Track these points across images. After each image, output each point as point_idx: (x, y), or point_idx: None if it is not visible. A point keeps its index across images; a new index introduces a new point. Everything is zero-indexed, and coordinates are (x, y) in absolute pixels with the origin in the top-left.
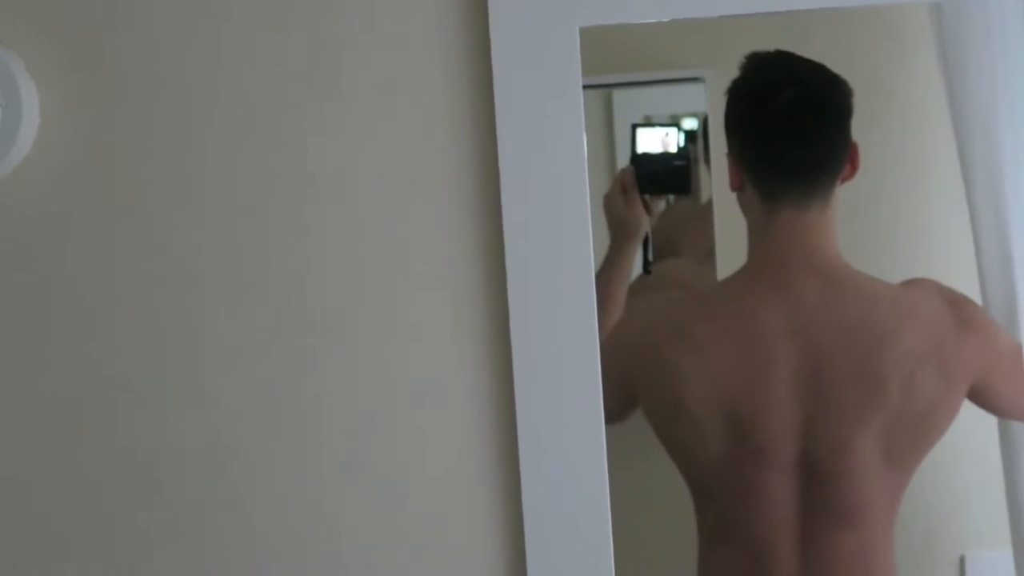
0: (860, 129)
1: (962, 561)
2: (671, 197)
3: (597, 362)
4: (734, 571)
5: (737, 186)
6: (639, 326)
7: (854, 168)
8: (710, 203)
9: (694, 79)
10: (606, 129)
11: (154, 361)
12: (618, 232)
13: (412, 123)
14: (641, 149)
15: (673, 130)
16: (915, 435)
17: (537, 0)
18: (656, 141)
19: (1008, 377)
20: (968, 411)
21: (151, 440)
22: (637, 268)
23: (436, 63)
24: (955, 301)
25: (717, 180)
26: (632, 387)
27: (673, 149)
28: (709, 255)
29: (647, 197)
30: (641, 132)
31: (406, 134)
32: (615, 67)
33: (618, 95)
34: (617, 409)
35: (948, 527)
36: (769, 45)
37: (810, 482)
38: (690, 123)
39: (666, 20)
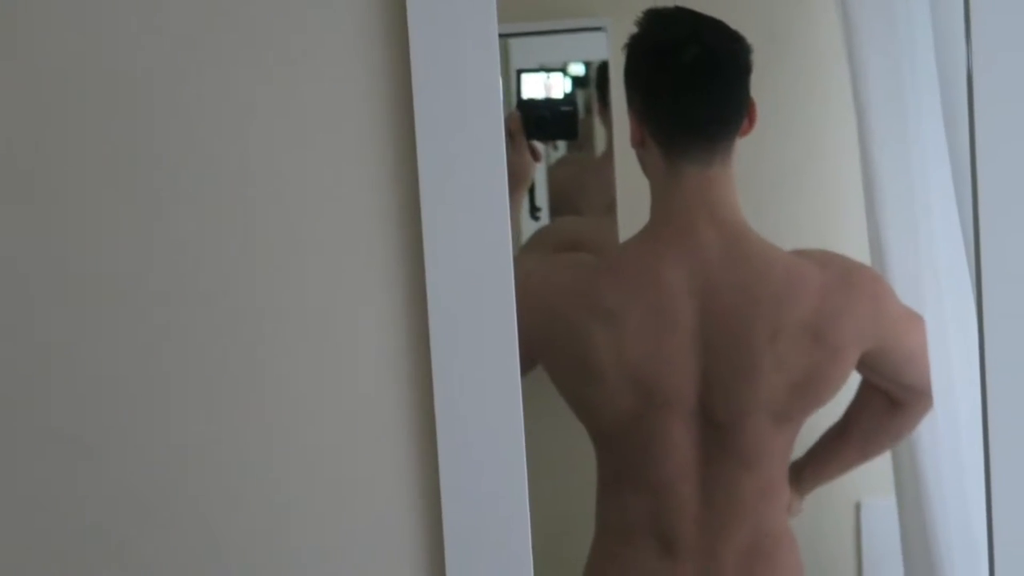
0: (758, 81)
1: (857, 507)
2: (560, 144)
3: (513, 310)
4: (637, 514)
5: (638, 141)
6: (544, 289)
7: (751, 123)
8: (608, 158)
9: (595, 28)
10: (502, 78)
11: (81, 343)
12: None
13: (325, 71)
14: (526, 94)
15: (557, 75)
16: (797, 397)
17: None
18: (541, 86)
19: (898, 347)
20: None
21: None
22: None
23: (350, 11)
24: (850, 271)
25: (619, 133)
26: (536, 347)
27: (558, 95)
28: (609, 210)
29: (534, 143)
30: (526, 77)
31: (319, 83)
32: (514, 16)
33: (515, 44)
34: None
35: (845, 476)
36: None
37: (709, 429)
38: (577, 68)
39: None
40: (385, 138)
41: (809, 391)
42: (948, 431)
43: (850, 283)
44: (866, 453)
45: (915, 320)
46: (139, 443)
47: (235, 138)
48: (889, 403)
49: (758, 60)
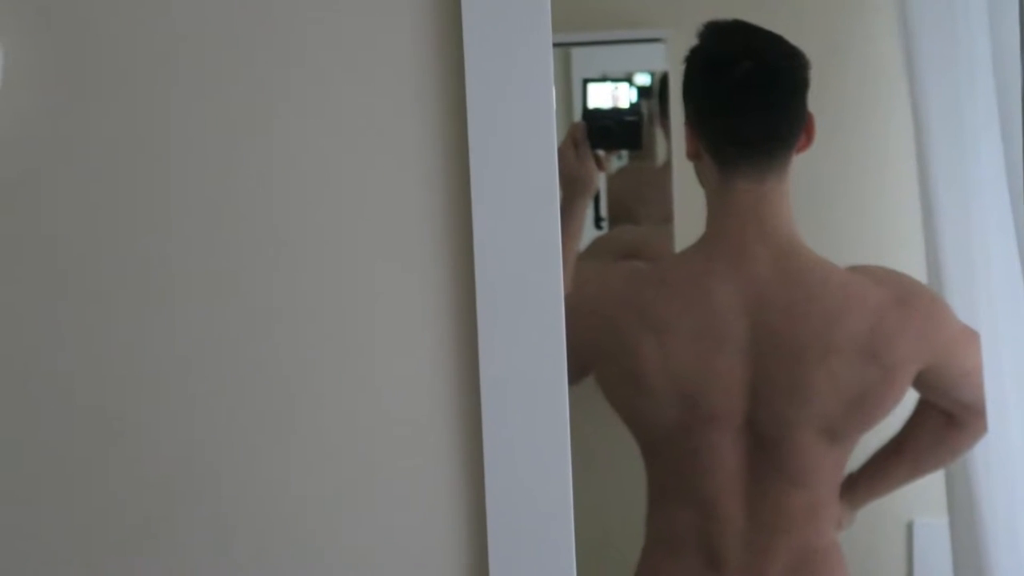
0: (817, 98)
1: (910, 526)
2: (623, 153)
3: (562, 319)
4: (683, 527)
5: (693, 154)
6: (598, 298)
7: (809, 139)
8: (667, 168)
9: (654, 39)
10: (564, 87)
11: (119, 327)
12: (569, 187)
13: (378, 76)
14: (592, 104)
15: (624, 85)
16: (850, 416)
17: None
18: (607, 96)
19: (954, 365)
20: None
21: (111, 410)
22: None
23: (404, 16)
24: (908, 291)
25: (677, 145)
26: (587, 357)
27: (624, 104)
28: (666, 220)
29: (599, 152)
30: (592, 87)
31: (372, 88)
32: (575, 26)
33: (577, 53)
34: (570, 375)
35: (897, 494)
36: (732, 9)
37: (757, 446)
38: (643, 79)
39: None
40: (437, 145)
41: (862, 409)
42: (1001, 451)
43: (906, 302)
44: (920, 470)
45: (972, 338)
46: (169, 454)
47: (283, 138)
48: (945, 421)
49: (818, 76)
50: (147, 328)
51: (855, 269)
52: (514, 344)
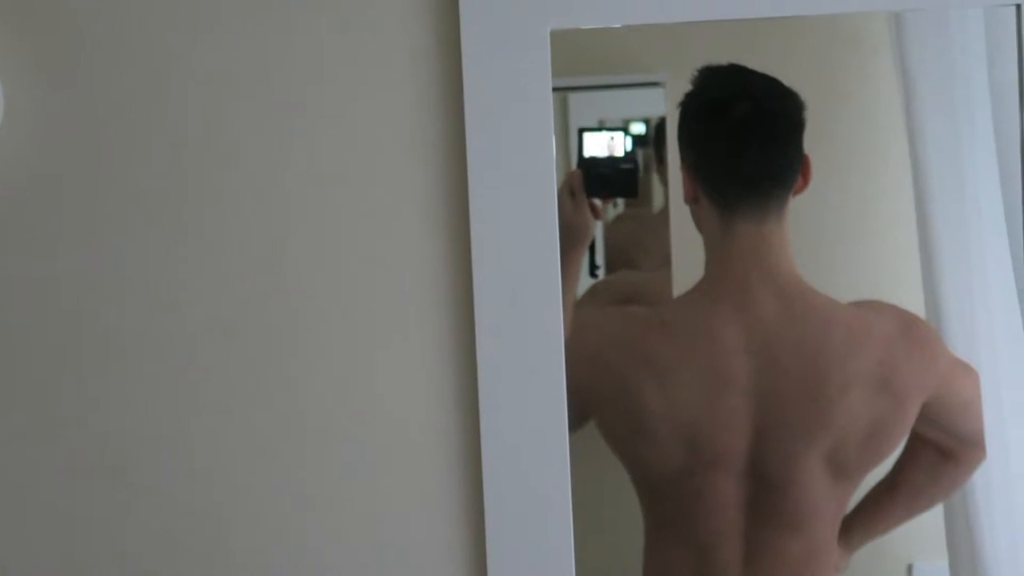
0: (815, 140)
1: (909, 570)
2: (619, 201)
3: (562, 364)
4: (680, 571)
5: (691, 198)
6: (597, 343)
7: (806, 181)
8: (664, 213)
9: (652, 84)
10: (561, 133)
11: (127, 339)
12: (566, 235)
13: (381, 121)
14: (588, 153)
15: (619, 134)
16: (863, 452)
17: (508, 2)
18: (602, 145)
19: (954, 396)
20: None
21: (119, 429)
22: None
23: (406, 62)
24: (907, 322)
25: (674, 190)
26: (587, 402)
27: (620, 153)
28: (664, 265)
29: (595, 200)
30: (588, 136)
31: (375, 131)
32: (572, 70)
33: (574, 98)
34: (570, 421)
35: (896, 536)
36: (729, 51)
37: (759, 489)
38: (638, 127)
39: (637, 24)
40: (437, 186)
41: (873, 444)
42: (1003, 490)
43: (908, 333)
44: (916, 508)
45: (968, 370)
46: (176, 463)
47: (290, 173)
48: (940, 456)
49: (814, 117)
50: (154, 327)
51: (855, 304)
52: (515, 392)
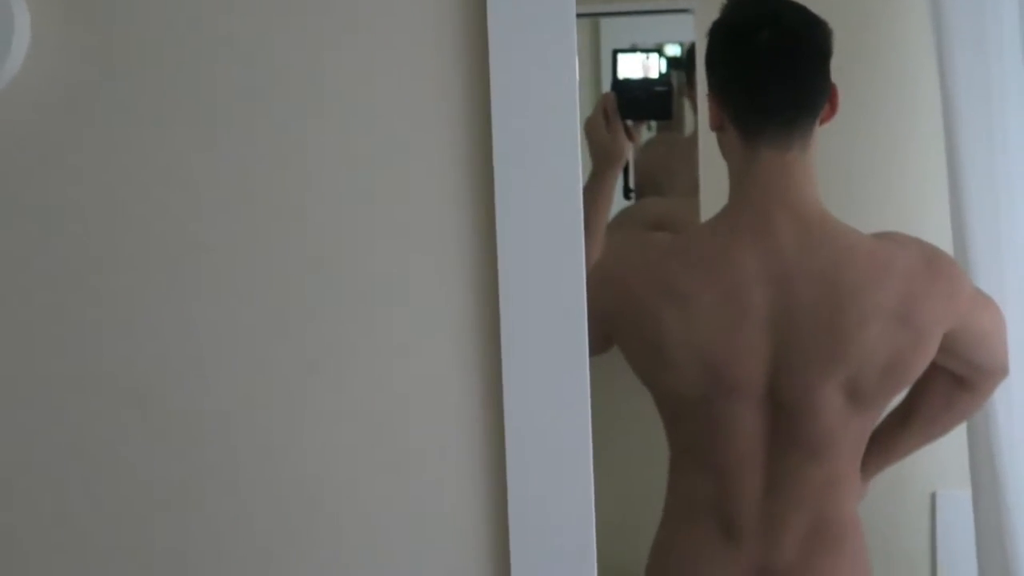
0: (845, 72)
1: (933, 498)
2: (653, 124)
3: (583, 289)
4: (702, 496)
5: (717, 125)
6: (621, 268)
7: (833, 109)
8: (693, 140)
9: (682, 10)
10: (593, 57)
11: (146, 291)
12: (600, 157)
13: (403, 49)
14: (622, 75)
15: (654, 55)
16: (882, 382)
17: None
18: (637, 66)
19: (973, 327)
20: None
21: (137, 372)
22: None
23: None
24: (929, 255)
25: (703, 116)
26: (611, 326)
27: (654, 75)
28: (693, 192)
29: (629, 123)
30: (622, 57)
31: (398, 61)
32: None
33: (606, 24)
34: (594, 345)
35: (919, 465)
36: None
37: (779, 417)
38: (672, 49)
39: None
40: (459, 123)
41: (894, 374)
42: None
43: (931, 266)
44: (931, 435)
45: (987, 301)
46: (194, 432)
47: (305, 147)
48: (955, 384)
49: (844, 49)
50: (175, 315)
51: (877, 236)
52: (535, 319)
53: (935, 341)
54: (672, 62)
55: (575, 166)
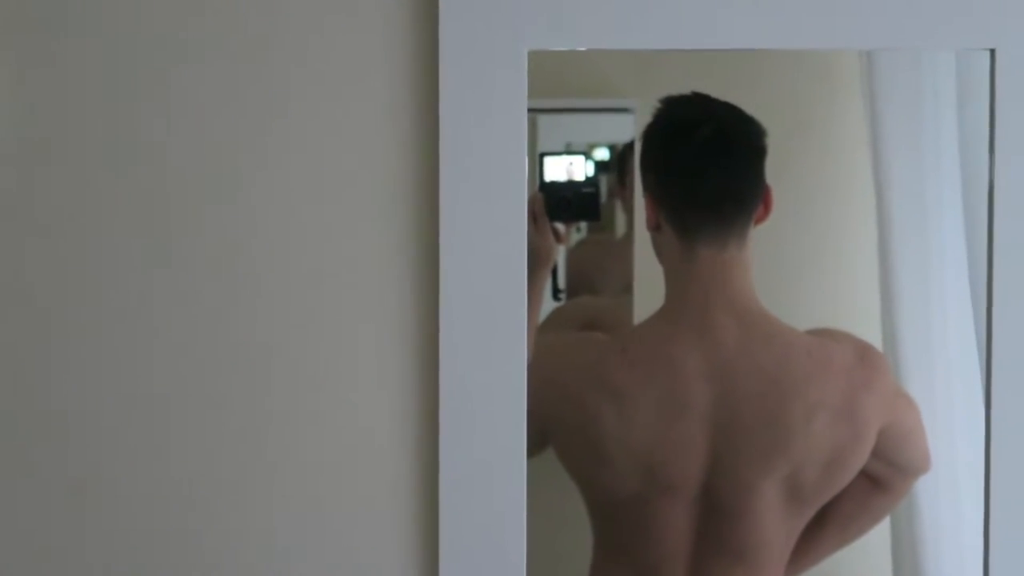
0: (779, 172)
1: None
2: (583, 225)
3: (524, 386)
4: None
5: (653, 225)
6: (558, 367)
7: (767, 210)
8: (627, 239)
9: (622, 109)
10: (531, 156)
11: (90, 335)
12: (529, 259)
13: (357, 137)
14: (549, 177)
15: (579, 158)
16: (821, 480)
17: (487, 22)
18: (562, 169)
19: (900, 424)
20: None
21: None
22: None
23: (383, 81)
24: (863, 351)
25: (638, 216)
26: (546, 427)
27: (580, 177)
28: (626, 291)
29: (557, 224)
30: (548, 160)
31: (350, 147)
32: (543, 93)
33: (543, 120)
34: (529, 446)
35: (842, 563)
36: (697, 81)
37: (711, 516)
38: (601, 153)
39: (612, 49)
40: (409, 203)
41: (831, 474)
42: (951, 524)
43: (864, 361)
44: (846, 538)
45: (910, 401)
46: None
47: (255, 194)
48: (871, 485)
49: (778, 149)
50: (118, 323)
51: (813, 332)
52: (476, 414)
53: (872, 437)
54: (600, 165)
55: (521, 264)
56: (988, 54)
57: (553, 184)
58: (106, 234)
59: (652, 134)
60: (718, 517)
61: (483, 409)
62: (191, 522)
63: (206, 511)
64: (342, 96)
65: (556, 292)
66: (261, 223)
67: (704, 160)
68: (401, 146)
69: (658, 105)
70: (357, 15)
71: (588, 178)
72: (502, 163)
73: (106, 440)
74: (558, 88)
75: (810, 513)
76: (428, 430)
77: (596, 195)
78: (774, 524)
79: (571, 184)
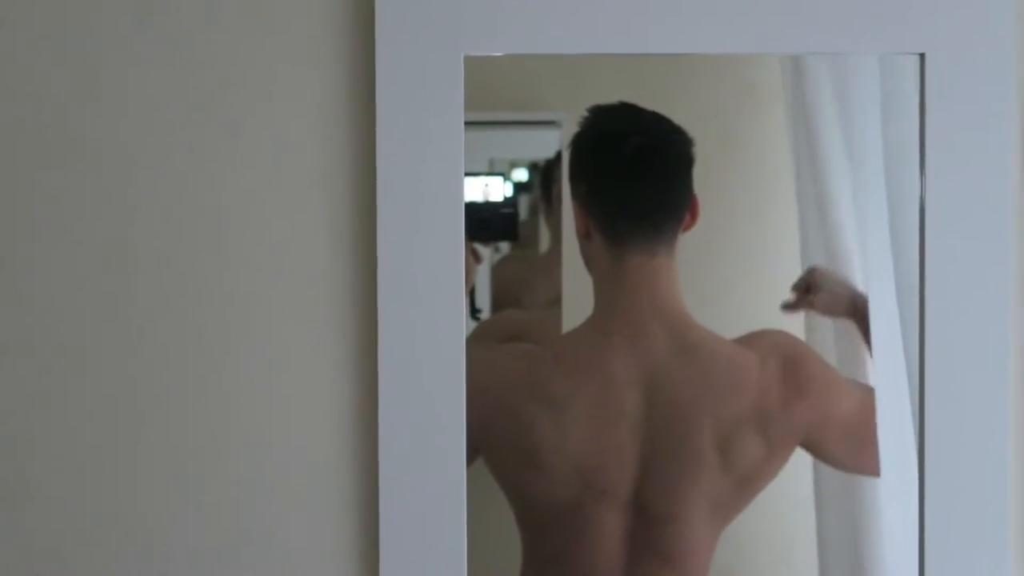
0: (703, 181)
1: None
2: (501, 244)
3: (463, 393)
4: None
5: (583, 233)
6: (488, 379)
7: (694, 218)
8: (552, 253)
9: (550, 122)
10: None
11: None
12: None
13: (291, 141)
14: (467, 198)
15: (497, 179)
16: (737, 491)
17: (423, 26)
18: (479, 191)
19: (839, 435)
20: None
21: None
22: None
23: (318, 85)
24: (794, 360)
25: (567, 226)
26: (478, 439)
27: (498, 198)
28: (552, 304)
29: (475, 245)
30: (467, 181)
31: (284, 151)
32: (468, 106)
33: (468, 137)
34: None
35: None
36: (627, 90)
37: (642, 522)
38: (520, 174)
39: (551, 54)
40: (345, 212)
41: (742, 485)
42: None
43: (794, 378)
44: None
45: (853, 391)
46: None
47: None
48: None
49: (704, 160)
50: (44, 333)
51: (748, 338)
52: (415, 423)
53: (787, 453)
54: (519, 185)
55: (459, 272)
56: (917, 58)
57: (471, 205)
58: (41, 235)
59: (581, 143)
60: (649, 522)
61: (422, 423)
62: (113, 531)
63: (126, 527)
64: (275, 99)
65: (474, 312)
66: (191, 234)
67: (633, 169)
68: (337, 149)
69: (586, 115)
70: (290, 28)
71: (506, 198)
72: (439, 171)
73: (39, 445)
74: (484, 101)
75: (728, 522)
76: (367, 447)
77: (515, 215)
78: (702, 531)
79: (489, 205)
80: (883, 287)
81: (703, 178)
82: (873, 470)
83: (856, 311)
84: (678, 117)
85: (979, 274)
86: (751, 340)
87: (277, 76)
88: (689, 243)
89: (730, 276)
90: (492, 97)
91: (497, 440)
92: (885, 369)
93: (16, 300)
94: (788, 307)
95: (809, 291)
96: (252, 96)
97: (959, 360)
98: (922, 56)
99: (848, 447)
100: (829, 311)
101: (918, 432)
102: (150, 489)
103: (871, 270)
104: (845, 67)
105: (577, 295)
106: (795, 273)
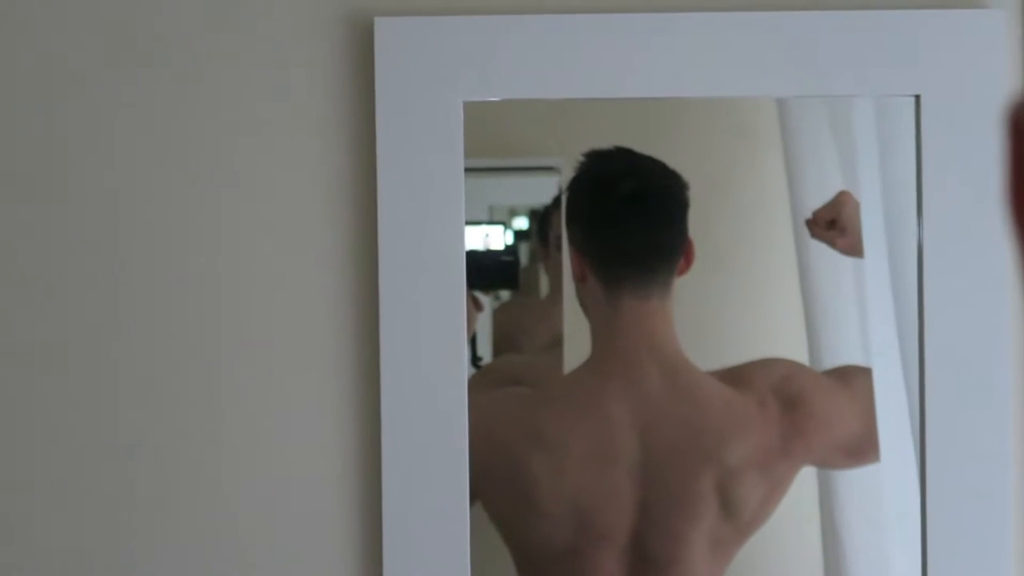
0: (697, 225)
1: None
2: (501, 292)
3: (465, 439)
4: None
5: (579, 276)
6: (486, 423)
7: (688, 262)
8: (552, 298)
9: (548, 168)
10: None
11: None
12: None
13: (293, 192)
14: (468, 246)
15: (498, 228)
16: (738, 531)
17: (423, 73)
18: (479, 240)
19: (841, 456)
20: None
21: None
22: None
23: (319, 134)
24: (792, 400)
25: (568, 273)
26: (476, 484)
27: (499, 246)
28: (552, 347)
29: (476, 293)
30: (467, 229)
31: (286, 202)
32: (467, 153)
33: (467, 184)
34: None
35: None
36: (623, 135)
37: (640, 567)
38: (520, 222)
39: (550, 99)
40: (347, 257)
41: (743, 524)
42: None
43: (793, 417)
44: None
45: (844, 412)
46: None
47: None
48: None
49: (699, 205)
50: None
51: (734, 379)
52: (418, 472)
53: (788, 485)
54: (519, 234)
55: (461, 315)
56: (913, 100)
57: (472, 253)
58: (43, 241)
59: (577, 188)
60: (648, 566)
61: (425, 472)
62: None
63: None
64: (275, 150)
65: (475, 360)
66: (197, 272)
67: (629, 213)
68: (338, 199)
69: (582, 159)
70: (292, 74)
71: (507, 246)
72: (440, 218)
73: (39, 446)
74: (483, 148)
75: (732, 557)
76: (370, 495)
77: (515, 264)
78: (702, 570)
79: (490, 253)
80: (884, 330)
81: (699, 222)
82: (875, 459)
83: None
84: (674, 161)
85: (977, 321)
86: (749, 375)
87: (276, 127)
88: (685, 286)
89: (726, 319)
90: (490, 143)
91: (494, 484)
92: (885, 412)
93: (18, 305)
94: (810, 227)
95: (835, 225)
96: (252, 147)
97: (959, 377)
98: (917, 98)
99: (850, 460)
100: (850, 252)
101: (919, 426)
102: (150, 491)
103: (870, 313)
104: (841, 109)
105: (579, 338)
106: (793, 316)
